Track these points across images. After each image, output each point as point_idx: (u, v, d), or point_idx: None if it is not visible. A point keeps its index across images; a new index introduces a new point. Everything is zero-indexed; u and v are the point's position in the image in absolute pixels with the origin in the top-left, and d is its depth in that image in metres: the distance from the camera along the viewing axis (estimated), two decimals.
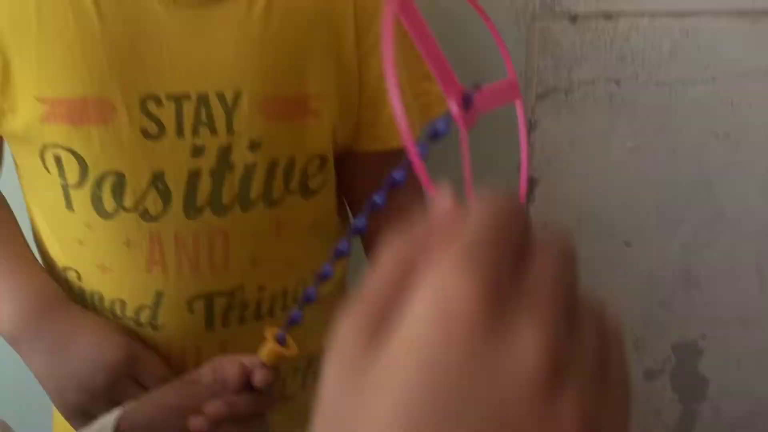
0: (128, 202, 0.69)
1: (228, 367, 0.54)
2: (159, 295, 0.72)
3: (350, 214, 0.84)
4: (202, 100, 0.68)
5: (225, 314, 0.75)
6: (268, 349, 0.56)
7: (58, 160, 0.68)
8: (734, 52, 0.98)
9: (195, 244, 0.72)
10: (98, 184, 0.69)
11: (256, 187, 0.71)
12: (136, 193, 0.69)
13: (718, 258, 1.15)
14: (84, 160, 0.68)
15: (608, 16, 0.97)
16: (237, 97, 0.68)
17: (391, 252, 0.25)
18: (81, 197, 0.70)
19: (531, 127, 1.06)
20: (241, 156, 0.70)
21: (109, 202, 0.69)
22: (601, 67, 1.00)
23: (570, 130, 1.05)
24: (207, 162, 0.69)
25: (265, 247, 0.74)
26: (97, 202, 0.69)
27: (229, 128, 0.69)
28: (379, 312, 0.24)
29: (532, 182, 1.11)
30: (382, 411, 0.22)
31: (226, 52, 0.68)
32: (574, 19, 0.98)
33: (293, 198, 0.73)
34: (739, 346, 1.23)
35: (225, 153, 0.69)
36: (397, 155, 0.76)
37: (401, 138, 0.64)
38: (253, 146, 0.70)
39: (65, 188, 0.70)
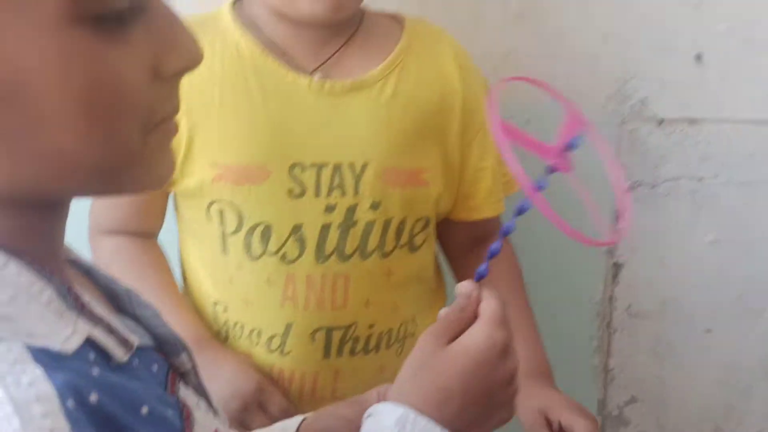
0: (272, 247, 0.83)
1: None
2: (289, 326, 0.85)
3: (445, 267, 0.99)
4: (337, 168, 0.82)
5: (340, 346, 0.87)
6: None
7: (221, 213, 0.83)
8: None
9: (322, 285, 0.85)
10: (250, 232, 0.83)
11: (372, 241, 0.85)
12: (279, 240, 0.83)
13: None
14: (242, 213, 0.83)
15: (693, 121, 1.08)
16: (364, 166, 0.82)
17: (457, 309, 0.55)
18: (235, 243, 0.84)
19: (617, 215, 1.17)
20: (363, 214, 0.83)
21: (257, 247, 0.83)
22: (685, 166, 1.10)
23: (654, 220, 1.15)
24: (336, 218, 0.83)
25: (377, 291, 0.87)
26: (247, 246, 0.83)
27: (356, 191, 0.83)
28: (450, 334, 0.53)
29: (616, 266, 1.20)
30: (446, 371, 0.51)
31: (358, 131, 0.83)
32: (660, 122, 1.10)
33: (402, 251, 0.87)
34: None
35: (351, 211, 0.83)
36: (485, 223, 0.90)
37: (490, 210, 0.81)
38: (374, 206, 0.83)
39: (223, 235, 0.84)
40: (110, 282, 0.50)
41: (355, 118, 0.83)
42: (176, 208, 0.91)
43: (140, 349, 0.44)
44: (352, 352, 0.88)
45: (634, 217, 1.14)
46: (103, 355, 0.40)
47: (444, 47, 0.88)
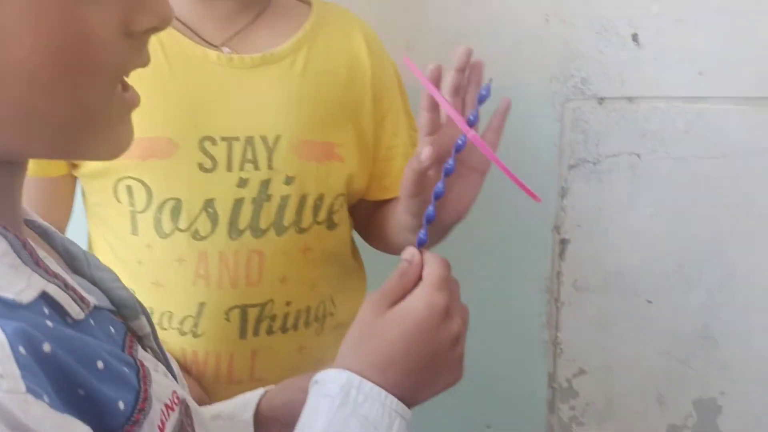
0: (183, 224, 0.82)
1: None
2: (202, 306, 0.84)
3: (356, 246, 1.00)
4: (249, 141, 0.83)
5: (256, 325, 0.86)
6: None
7: (129, 190, 0.82)
8: (740, 132, 1.12)
9: (235, 262, 0.84)
10: (160, 208, 0.82)
11: (288, 216, 0.85)
12: (190, 216, 0.82)
13: (732, 318, 1.25)
14: (150, 189, 0.82)
15: (630, 99, 1.15)
16: (277, 139, 0.83)
17: (399, 273, 0.57)
18: (145, 221, 0.83)
19: (563, 193, 1.22)
20: (277, 189, 0.84)
21: (167, 224, 0.83)
22: (624, 143, 1.16)
23: (597, 197, 1.21)
24: (250, 192, 0.83)
25: (294, 267, 0.87)
26: (157, 224, 0.83)
27: (270, 165, 0.83)
28: (391, 298, 0.55)
29: (563, 243, 1.26)
30: (387, 336, 0.53)
31: (270, 104, 0.84)
32: (601, 101, 1.15)
33: (320, 228, 0.88)
34: (757, 404, 1.31)
35: (265, 185, 0.83)
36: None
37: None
38: (288, 181, 0.84)
39: (133, 214, 0.83)
40: (68, 243, 0.50)
41: (266, 91, 0.84)
42: (83, 195, 0.90)
43: (97, 310, 0.45)
44: (269, 331, 0.87)
45: (578, 194, 1.20)
46: (59, 311, 0.41)
47: (353, 27, 0.91)
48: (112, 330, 0.46)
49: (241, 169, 0.83)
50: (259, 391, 0.65)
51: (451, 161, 0.60)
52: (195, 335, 0.85)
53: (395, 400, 0.51)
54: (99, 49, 0.39)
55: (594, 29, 1.11)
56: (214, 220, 0.83)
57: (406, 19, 1.16)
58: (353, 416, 0.50)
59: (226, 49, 0.83)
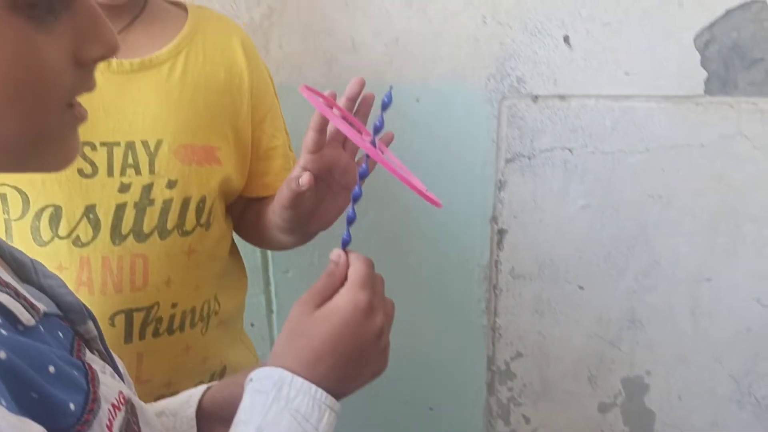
0: (63, 231, 0.81)
1: None
2: None
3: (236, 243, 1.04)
4: (130, 146, 0.83)
5: (142, 328, 0.86)
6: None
7: (3, 197, 0.81)
8: (663, 128, 1.21)
9: (119, 267, 0.83)
10: (37, 216, 0.81)
11: (171, 219, 0.86)
12: (71, 223, 0.81)
13: (657, 302, 1.34)
14: (27, 196, 0.80)
15: (562, 97, 1.22)
16: (158, 144, 0.84)
17: (326, 274, 0.61)
18: (21, 229, 0.81)
19: (500, 186, 1.29)
20: (160, 193, 0.84)
21: (46, 232, 0.81)
22: (557, 138, 1.24)
23: (532, 189, 1.28)
24: (132, 197, 0.83)
25: (178, 270, 0.87)
26: (35, 232, 0.81)
27: (152, 169, 0.83)
28: (319, 298, 0.59)
29: (501, 233, 1.33)
30: (315, 334, 0.57)
31: (150, 109, 0.84)
32: (535, 98, 1.22)
33: (201, 229, 0.89)
34: (679, 382, 1.40)
35: (147, 190, 0.84)
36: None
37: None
38: (171, 185, 0.85)
39: (7, 222, 0.82)
40: (16, 253, 0.53)
41: (146, 96, 0.84)
42: None
43: (46, 316, 0.47)
44: (155, 334, 0.88)
45: (515, 187, 1.27)
46: (11, 319, 0.43)
47: (230, 33, 0.93)
48: (61, 335, 0.49)
49: (123, 174, 0.83)
50: (201, 388, 0.68)
51: (357, 188, 0.66)
52: None
53: (325, 393, 0.55)
54: (50, 77, 0.42)
55: (528, 31, 1.18)
56: (95, 225, 0.83)
57: (350, 20, 1.20)
58: (286, 410, 0.53)
59: None
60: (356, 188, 0.65)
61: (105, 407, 0.47)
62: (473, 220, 1.32)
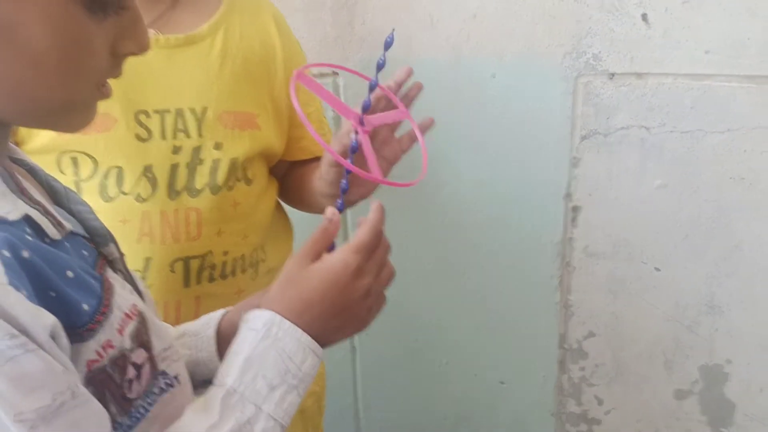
0: (126, 187, 0.94)
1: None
2: (148, 260, 0.95)
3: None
4: (179, 113, 0.95)
5: (198, 274, 0.98)
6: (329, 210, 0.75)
7: (74, 161, 0.93)
8: (744, 109, 1.20)
9: (176, 219, 0.96)
10: (105, 175, 0.93)
11: (220, 176, 0.97)
12: (132, 181, 0.93)
13: (738, 288, 1.33)
14: (95, 158, 0.93)
15: (639, 75, 1.24)
16: (204, 110, 0.96)
17: (321, 230, 0.67)
18: (90, 188, 0.93)
19: (575, 163, 1.33)
20: (208, 153, 0.96)
21: (112, 189, 0.94)
22: (634, 116, 1.26)
23: (608, 167, 1.31)
24: (184, 158, 0.95)
25: (227, 221, 0.99)
26: (102, 189, 0.93)
27: (200, 133, 0.95)
28: (314, 252, 0.66)
29: (575, 210, 1.37)
30: (306, 286, 0.64)
31: (195, 80, 0.96)
32: (611, 76, 1.25)
33: (242, 185, 1.00)
34: (762, 373, 1.38)
35: (197, 151, 0.96)
36: (316, 161, 1.08)
37: (319, 149, 1.10)
38: (217, 146, 0.97)
39: (77, 183, 0.94)
40: (51, 179, 0.63)
41: (191, 68, 0.96)
42: None
43: (73, 235, 0.56)
44: (210, 279, 0.99)
45: (590, 164, 1.30)
46: (39, 232, 0.52)
47: (263, 10, 1.04)
48: (86, 253, 0.57)
49: (174, 137, 0.94)
50: (220, 311, 0.78)
51: (344, 182, 0.74)
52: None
53: (309, 338, 0.62)
54: (93, 60, 0.53)
55: (605, 8, 1.21)
56: (153, 183, 0.94)
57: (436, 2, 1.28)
58: (273, 348, 0.60)
59: (152, 31, 0.94)
60: (344, 182, 0.74)
61: (118, 314, 0.55)
62: (547, 196, 1.36)
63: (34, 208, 0.53)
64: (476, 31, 1.28)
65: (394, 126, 0.91)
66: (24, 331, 0.45)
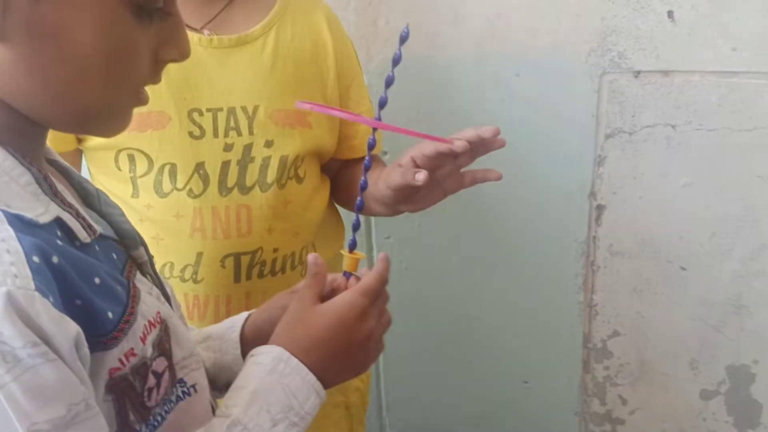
0: (180, 184, 0.96)
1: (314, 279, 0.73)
2: (199, 255, 0.98)
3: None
4: (231, 111, 0.97)
5: (249, 270, 1.00)
6: (348, 258, 0.76)
7: (131, 158, 0.96)
8: None
9: (227, 215, 0.98)
10: (160, 172, 0.96)
11: (270, 174, 0.99)
12: (185, 177, 0.96)
13: (765, 288, 1.32)
14: (150, 156, 0.95)
15: (665, 73, 1.24)
16: (255, 109, 0.97)
17: (312, 275, 0.70)
18: (146, 184, 0.96)
19: (600, 161, 1.32)
20: (259, 151, 0.98)
21: (167, 185, 0.96)
22: (660, 114, 1.25)
23: (633, 165, 1.31)
24: (235, 155, 0.97)
25: (278, 219, 1.00)
26: (157, 186, 0.96)
27: (251, 131, 0.97)
28: (314, 295, 0.68)
29: (599, 208, 1.36)
30: (313, 325, 0.66)
31: (247, 79, 0.98)
32: (637, 74, 1.25)
33: (293, 183, 1.02)
34: None
35: (248, 149, 0.97)
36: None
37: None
38: (268, 144, 0.98)
39: (133, 179, 0.97)
40: (83, 181, 0.64)
41: (243, 68, 0.98)
42: (87, 163, 1.03)
43: (103, 238, 0.57)
44: (260, 275, 1.01)
45: (614, 163, 1.31)
46: (69, 235, 0.53)
47: (316, 10, 1.05)
48: (115, 256, 0.58)
49: (226, 135, 0.97)
50: (244, 314, 0.79)
51: (363, 179, 0.77)
52: (195, 281, 0.99)
53: (314, 377, 0.63)
54: (135, 65, 0.53)
55: (630, 5, 1.21)
56: (205, 180, 0.96)
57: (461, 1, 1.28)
58: (279, 383, 0.62)
59: (206, 32, 0.97)
60: (362, 180, 0.76)
61: (141, 322, 0.56)
62: (572, 194, 1.36)
63: (66, 211, 0.54)
64: (501, 28, 1.28)
65: (460, 164, 0.92)
66: (47, 341, 0.45)
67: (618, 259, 1.39)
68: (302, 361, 0.64)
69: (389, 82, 0.73)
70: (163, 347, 0.59)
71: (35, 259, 0.46)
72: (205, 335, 0.78)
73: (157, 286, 0.64)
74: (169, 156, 0.96)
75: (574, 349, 1.49)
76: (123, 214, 0.64)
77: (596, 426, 1.55)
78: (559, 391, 1.53)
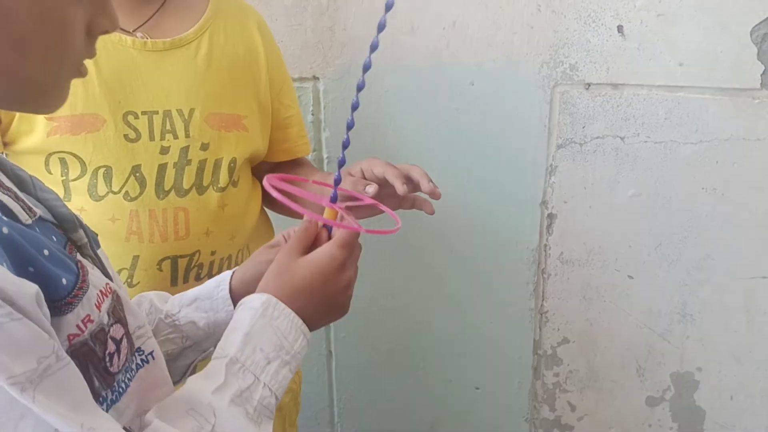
0: (115, 187, 0.97)
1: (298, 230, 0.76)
2: (135, 258, 0.99)
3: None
4: (167, 114, 0.99)
5: (186, 273, 1.02)
6: (328, 211, 0.77)
7: (62, 162, 0.97)
8: (717, 121, 1.26)
9: (164, 218, 1.00)
10: (94, 175, 0.97)
11: (206, 177, 1.02)
12: (121, 180, 0.97)
13: (709, 297, 1.39)
14: (83, 159, 0.96)
15: (615, 86, 1.30)
16: (191, 112, 1.00)
17: (303, 229, 0.74)
18: (79, 187, 0.97)
19: (551, 170, 1.37)
20: (196, 154, 1.01)
21: (101, 188, 0.97)
22: (609, 126, 1.31)
23: (583, 175, 1.36)
24: (171, 158, 0.99)
25: (215, 222, 1.03)
26: (92, 188, 0.97)
27: (187, 134, 1.00)
28: (301, 248, 0.72)
29: (550, 217, 1.41)
30: (297, 275, 0.70)
31: (182, 82, 1.00)
32: (588, 86, 1.31)
33: (232, 187, 1.05)
34: (732, 381, 1.45)
35: (184, 151, 1.00)
36: (297, 162, 1.16)
37: (300, 150, 1.19)
38: (204, 147, 1.01)
39: (65, 183, 0.97)
40: (17, 169, 0.66)
41: (178, 71, 1.00)
42: None
43: (42, 221, 0.60)
44: (198, 278, 1.03)
45: (565, 172, 1.36)
46: (11, 216, 0.54)
47: (247, 16, 1.10)
48: (55, 239, 0.61)
49: (162, 138, 0.99)
50: (227, 272, 0.83)
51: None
52: (130, 285, 1.00)
53: (300, 320, 0.69)
54: (70, 38, 0.55)
55: (582, 20, 1.26)
56: (141, 182, 0.98)
57: (411, 4, 1.32)
58: (269, 325, 0.67)
59: (139, 35, 0.99)
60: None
61: (94, 291, 0.59)
62: (523, 203, 1.41)
63: (5, 194, 0.56)
64: (456, 38, 1.32)
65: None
66: (9, 301, 0.48)
67: (568, 267, 1.44)
68: (289, 306, 0.69)
69: (360, 88, 0.76)
70: (118, 315, 0.62)
71: None
72: (191, 298, 0.82)
73: (98, 267, 0.66)
74: (104, 159, 0.97)
75: (525, 356, 1.53)
76: (59, 199, 0.66)
77: None
78: (510, 397, 1.58)
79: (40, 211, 0.59)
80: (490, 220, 1.43)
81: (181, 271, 1.02)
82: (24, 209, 0.57)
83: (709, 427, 1.51)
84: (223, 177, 1.03)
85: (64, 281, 0.55)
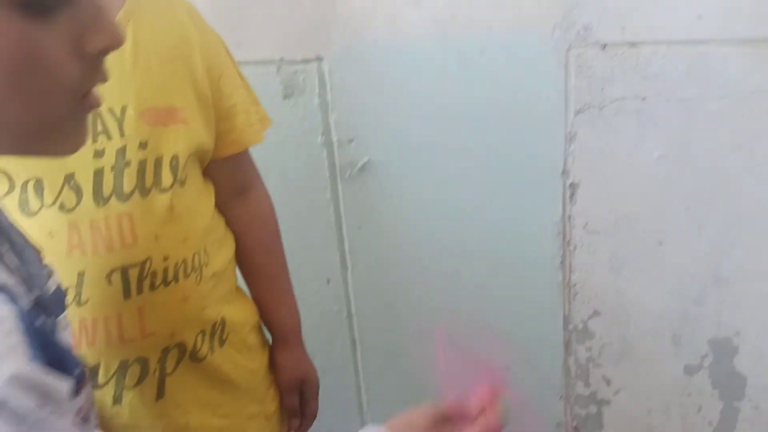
0: (48, 199, 0.90)
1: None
2: (81, 274, 0.92)
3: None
4: (98, 114, 0.92)
5: (138, 283, 0.95)
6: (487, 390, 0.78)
7: None
8: (741, 73, 1.21)
9: (107, 227, 0.92)
10: (24, 189, 0.90)
11: (148, 178, 0.95)
12: (54, 192, 0.90)
13: (743, 257, 1.35)
14: (9, 173, 0.90)
15: (632, 44, 1.26)
16: (123, 110, 0.93)
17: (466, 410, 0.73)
18: (9, 204, 0.90)
19: (570, 138, 1.34)
20: (134, 154, 0.94)
21: (33, 202, 0.90)
22: (629, 87, 1.27)
23: (604, 140, 1.33)
24: (108, 161, 0.92)
25: (164, 225, 0.96)
26: (23, 204, 0.90)
27: (122, 133, 0.93)
28: (445, 418, 0.72)
29: (573, 186, 1.38)
30: None
31: (110, 78, 0.94)
32: (604, 46, 1.27)
33: (177, 186, 0.98)
34: None
35: (121, 153, 0.93)
36: (245, 167, 1.14)
37: (249, 139, 1.12)
38: (142, 146, 0.94)
39: None
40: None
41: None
42: None
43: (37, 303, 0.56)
44: (152, 287, 0.96)
45: (586, 139, 1.32)
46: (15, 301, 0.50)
47: (175, 6, 1.03)
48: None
49: (95, 141, 0.92)
50: (381, 428, 0.79)
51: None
52: (79, 304, 0.94)
53: None
54: (51, 68, 0.47)
55: None
56: (77, 191, 0.91)
57: None
58: None
59: None
60: None
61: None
62: (544, 174, 1.37)
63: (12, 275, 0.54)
64: (462, 6, 1.29)
65: None
66: (53, 399, 0.47)
67: (594, 237, 1.41)
68: None
69: None
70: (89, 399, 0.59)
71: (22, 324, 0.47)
72: None
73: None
74: (32, 171, 0.90)
75: (556, 332, 1.51)
76: (48, 272, 0.63)
77: (582, 409, 1.57)
78: (543, 375, 1.55)
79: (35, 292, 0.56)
80: (510, 195, 1.40)
81: (134, 282, 0.95)
82: (26, 292, 0.53)
83: (750, 392, 1.47)
84: (167, 176, 0.97)
85: (76, 372, 0.52)
